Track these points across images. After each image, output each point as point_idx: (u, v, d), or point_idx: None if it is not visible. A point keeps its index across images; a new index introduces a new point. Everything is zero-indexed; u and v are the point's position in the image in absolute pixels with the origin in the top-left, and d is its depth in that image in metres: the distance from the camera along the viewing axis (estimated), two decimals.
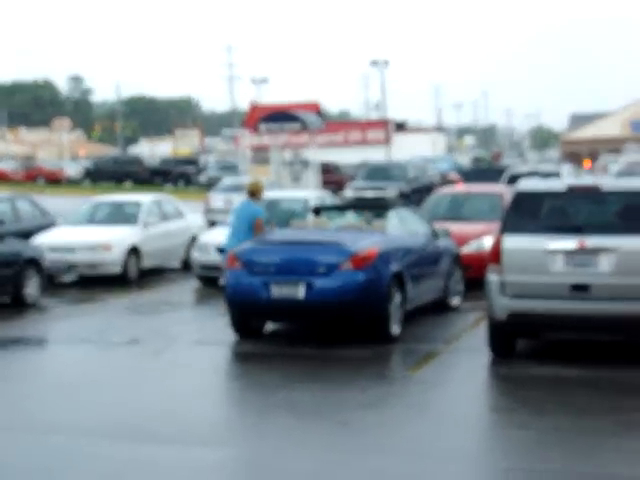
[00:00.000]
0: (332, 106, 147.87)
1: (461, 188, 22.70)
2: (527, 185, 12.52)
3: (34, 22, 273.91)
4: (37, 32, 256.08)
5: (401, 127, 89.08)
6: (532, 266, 11.64)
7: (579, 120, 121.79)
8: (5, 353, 13.64)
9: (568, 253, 11.54)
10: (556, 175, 28.44)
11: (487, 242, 16.57)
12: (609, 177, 21.27)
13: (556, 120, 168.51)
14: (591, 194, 12.13)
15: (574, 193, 12.11)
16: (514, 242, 11.78)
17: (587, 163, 53.76)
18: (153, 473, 8.21)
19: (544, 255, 11.59)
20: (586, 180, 13.45)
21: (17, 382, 11.84)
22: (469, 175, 35.96)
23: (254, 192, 15.77)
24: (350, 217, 16.12)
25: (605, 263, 11.41)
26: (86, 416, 9.98)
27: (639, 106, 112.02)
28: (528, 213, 11.98)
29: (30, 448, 8.93)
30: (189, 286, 19.78)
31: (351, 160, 63.30)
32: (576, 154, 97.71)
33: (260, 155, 56.05)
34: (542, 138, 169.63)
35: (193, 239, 21.64)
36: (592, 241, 11.47)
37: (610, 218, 12.08)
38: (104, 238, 20.22)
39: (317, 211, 16.14)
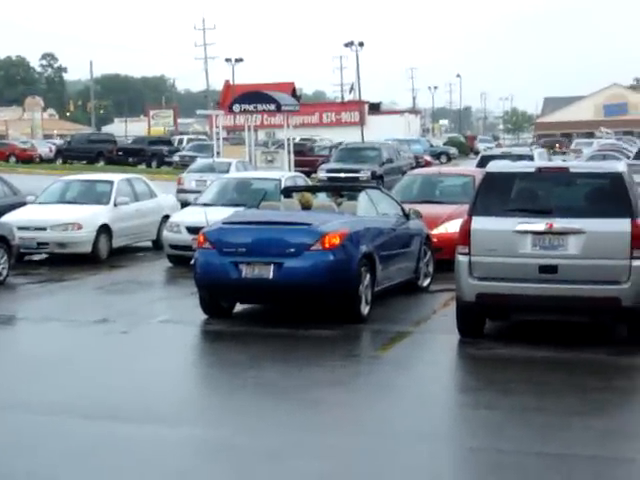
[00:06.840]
0: (307, 87, 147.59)
1: (433, 170, 22.72)
2: (496, 166, 12.54)
3: None
4: (10, 9, 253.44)
5: (375, 108, 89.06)
6: (500, 247, 11.67)
7: (553, 103, 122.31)
8: None
9: (536, 234, 11.57)
10: (529, 158, 28.44)
11: (458, 224, 16.60)
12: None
13: (530, 103, 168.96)
14: (560, 175, 12.17)
15: (543, 174, 12.15)
16: (483, 223, 11.79)
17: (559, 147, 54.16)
18: (120, 451, 8.18)
19: (512, 236, 11.62)
20: (556, 162, 13.51)
21: None
22: None
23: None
24: (321, 198, 16.09)
25: (573, 245, 11.45)
26: (54, 394, 9.94)
27: (612, 90, 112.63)
28: (497, 194, 11.98)
29: None
30: (160, 265, 19.73)
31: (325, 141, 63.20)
32: (550, 137, 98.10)
33: (234, 136, 55.92)
34: (516, 121, 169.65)
35: (165, 219, 21.54)
36: (560, 223, 11.51)
37: (579, 200, 12.13)
38: (75, 217, 20.09)
39: (288, 192, 16.09)
